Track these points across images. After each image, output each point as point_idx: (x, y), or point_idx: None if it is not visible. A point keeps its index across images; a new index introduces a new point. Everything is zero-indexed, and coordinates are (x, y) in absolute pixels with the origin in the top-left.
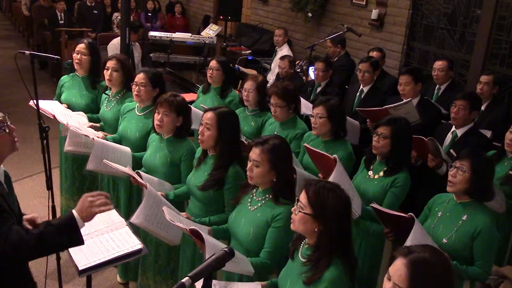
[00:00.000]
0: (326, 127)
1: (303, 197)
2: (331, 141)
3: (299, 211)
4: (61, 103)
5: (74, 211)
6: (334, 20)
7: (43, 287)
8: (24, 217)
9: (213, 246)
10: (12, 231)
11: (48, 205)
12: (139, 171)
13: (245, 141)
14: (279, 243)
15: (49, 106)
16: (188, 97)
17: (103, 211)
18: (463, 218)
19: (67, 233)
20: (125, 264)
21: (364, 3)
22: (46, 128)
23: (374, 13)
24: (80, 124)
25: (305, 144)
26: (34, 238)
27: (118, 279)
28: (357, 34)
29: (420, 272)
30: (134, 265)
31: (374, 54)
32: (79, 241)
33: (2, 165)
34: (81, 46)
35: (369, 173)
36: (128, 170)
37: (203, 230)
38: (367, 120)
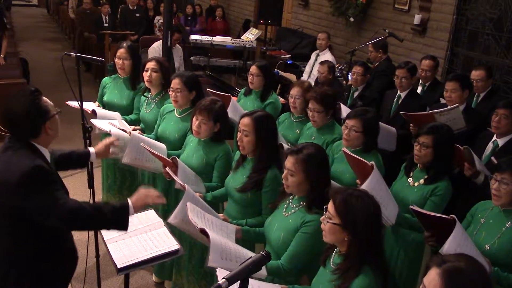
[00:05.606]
0: (359, 141)
1: (330, 206)
2: (360, 151)
3: (328, 222)
4: (103, 104)
5: (129, 199)
6: (375, 25)
7: (82, 282)
8: None
9: (220, 247)
10: (71, 199)
11: None
12: (175, 157)
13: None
14: (301, 250)
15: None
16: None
17: (157, 203)
18: (507, 225)
19: (118, 215)
20: (160, 263)
21: (406, 7)
22: (89, 128)
23: (417, 18)
24: (116, 123)
25: (344, 149)
26: (93, 209)
27: (154, 278)
28: (398, 39)
29: (455, 282)
30: (169, 264)
31: (426, 62)
32: (125, 226)
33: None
34: (121, 51)
35: (409, 180)
36: (163, 158)
37: (230, 229)
38: (411, 124)
